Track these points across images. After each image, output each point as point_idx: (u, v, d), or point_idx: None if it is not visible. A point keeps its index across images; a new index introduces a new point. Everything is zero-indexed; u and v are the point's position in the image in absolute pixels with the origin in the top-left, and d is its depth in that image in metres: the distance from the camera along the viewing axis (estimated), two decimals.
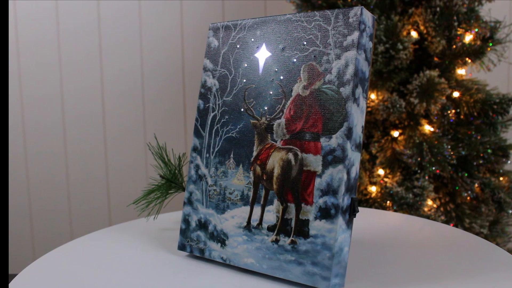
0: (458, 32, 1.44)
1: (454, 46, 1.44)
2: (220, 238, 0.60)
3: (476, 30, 1.44)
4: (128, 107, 2.10)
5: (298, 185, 0.54)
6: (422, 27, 1.45)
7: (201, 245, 0.62)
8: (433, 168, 1.38)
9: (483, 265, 0.59)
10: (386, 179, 1.44)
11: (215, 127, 0.63)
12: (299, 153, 0.55)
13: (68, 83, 2.07)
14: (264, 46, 0.60)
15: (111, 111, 2.10)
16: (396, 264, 0.60)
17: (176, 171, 0.75)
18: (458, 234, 0.73)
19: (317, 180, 0.53)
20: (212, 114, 0.63)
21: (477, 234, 1.43)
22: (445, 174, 1.42)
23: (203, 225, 0.62)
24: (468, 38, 1.45)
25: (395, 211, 1.38)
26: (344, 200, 0.52)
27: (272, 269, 0.55)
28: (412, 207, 1.37)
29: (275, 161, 0.57)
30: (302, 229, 0.53)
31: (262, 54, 0.60)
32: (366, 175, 1.48)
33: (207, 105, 0.64)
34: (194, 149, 0.65)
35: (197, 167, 0.64)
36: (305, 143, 0.55)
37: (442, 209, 1.45)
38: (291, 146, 0.56)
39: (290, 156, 0.56)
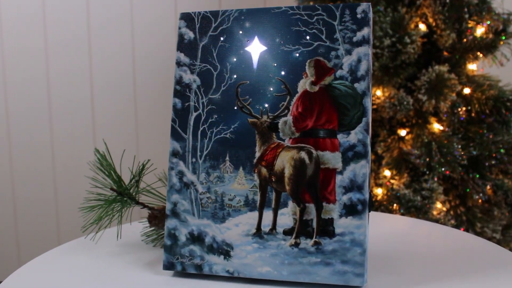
0: (469, 25, 1.43)
1: (465, 40, 1.43)
2: (223, 249, 0.56)
3: (488, 22, 1.43)
4: (120, 104, 2.07)
5: (317, 184, 0.55)
6: (431, 20, 1.44)
7: (197, 260, 0.57)
8: (443, 169, 1.37)
9: (496, 272, 0.58)
10: (392, 181, 1.43)
11: (201, 128, 0.59)
12: (313, 151, 0.55)
13: (55, 76, 2.02)
14: (256, 39, 0.59)
15: (101, 110, 2.05)
16: (403, 269, 0.60)
17: (134, 180, 0.67)
18: (469, 239, 0.73)
19: (338, 177, 0.54)
20: (195, 114, 0.60)
21: (489, 239, 1.42)
22: (455, 176, 1.41)
23: (197, 238, 0.57)
24: (480, 31, 1.44)
25: (402, 214, 1.36)
26: (368, 195, 0.53)
27: (295, 274, 0.54)
28: (420, 211, 1.35)
29: (284, 161, 0.56)
30: (326, 228, 0.54)
31: (255, 48, 0.58)
32: (371, 176, 1.48)
33: (186, 104, 0.60)
34: (174, 153, 0.60)
35: (181, 173, 0.59)
36: (320, 140, 0.55)
37: (452, 212, 1.44)
38: (302, 145, 0.56)
39: (303, 154, 0.55)
